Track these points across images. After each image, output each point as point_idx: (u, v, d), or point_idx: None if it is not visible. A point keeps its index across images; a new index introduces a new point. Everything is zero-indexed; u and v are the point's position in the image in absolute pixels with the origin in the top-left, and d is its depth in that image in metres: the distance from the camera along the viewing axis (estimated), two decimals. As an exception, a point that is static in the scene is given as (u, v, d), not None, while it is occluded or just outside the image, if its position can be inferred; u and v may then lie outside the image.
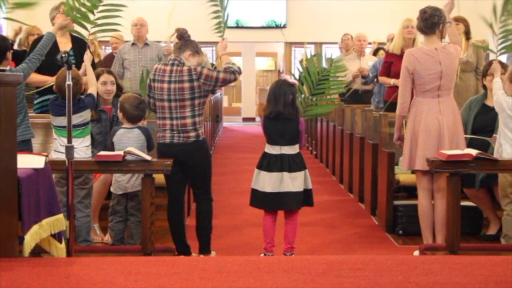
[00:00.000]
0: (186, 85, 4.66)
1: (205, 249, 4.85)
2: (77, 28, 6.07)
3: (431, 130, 4.96)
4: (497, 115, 5.34)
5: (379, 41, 10.83)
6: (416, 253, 4.92)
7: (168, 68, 4.73)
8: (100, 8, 5.75)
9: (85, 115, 5.00)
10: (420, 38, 6.65)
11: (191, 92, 4.67)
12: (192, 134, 4.71)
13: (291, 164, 4.82)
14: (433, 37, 5.05)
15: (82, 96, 5.04)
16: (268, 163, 4.83)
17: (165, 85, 4.69)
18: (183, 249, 4.82)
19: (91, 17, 5.75)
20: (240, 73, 4.82)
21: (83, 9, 5.70)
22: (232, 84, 24.59)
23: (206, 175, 4.87)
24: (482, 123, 5.61)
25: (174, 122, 4.70)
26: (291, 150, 4.85)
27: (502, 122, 5.07)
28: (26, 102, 5.22)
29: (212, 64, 10.57)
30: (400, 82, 5.16)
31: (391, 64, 7.04)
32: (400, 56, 6.90)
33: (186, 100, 4.68)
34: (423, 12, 5.04)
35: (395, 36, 7.20)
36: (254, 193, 4.90)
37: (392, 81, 6.96)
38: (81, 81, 5.07)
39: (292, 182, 4.80)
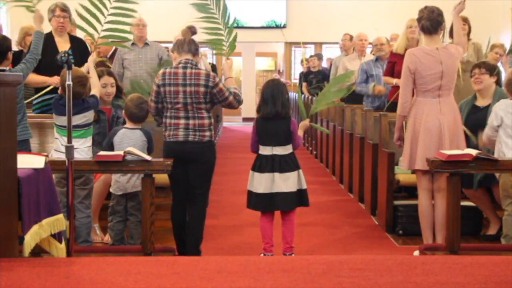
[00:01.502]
0: (202, 89, 4.69)
1: (193, 253, 4.72)
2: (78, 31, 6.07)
3: (432, 130, 4.96)
4: (487, 115, 5.34)
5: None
6: (416, 253, 4.92)
7: (181, 71, 4.72)
8: (111, 11, 5.74)
9: (89, 116, 5.01)
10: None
11: (205, 97, 4.71)
12: (207, 133, 4.75)
13: (282, 164, 4.82)
14: (436, 37, 5.05)
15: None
16: (260, 164, 4.84)
17: (180, 88, 4.69)
18: (184, 250, 4.81)
19: (102, 19, 5.73)
20: (241, 103, 4.91)
21: (93, 10, 5.69)
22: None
23: (208, 177, 4.88)
24: (473, 123, 5.63)
25: (191, 121, 4.71)
26: (283, 150, 4.85)
27: (504, 134, 5.04)
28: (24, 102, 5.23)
29: (213, 65, 10.58)
30: (401, 82, 5.16)
31: (394, 64, 7.03)
32: (404, 56, 6.91)
33: (201, 103, 4.71)
34: (430, 11, 5.00)
35: (399, 36, 7.20)
36: (249, 195, 4.91)
37: (394, 81, 6.96)
38: (89, 82, 5.08)
39: (284, 182, 4.80)
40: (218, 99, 4.76)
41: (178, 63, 4.77)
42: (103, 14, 5.72)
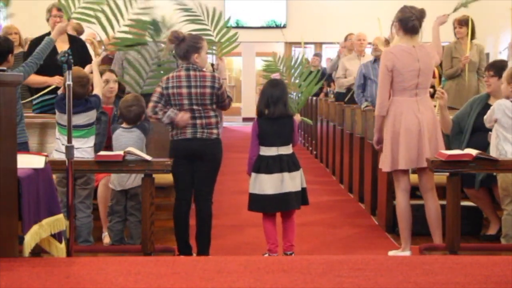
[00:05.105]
0: (208, 90, 4.72)
1: (204, 253, 4.83)
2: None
3: (412, 129, 4.92)
4: None
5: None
6: (392, 253, 4.98)
7: (183, 73, 4.74)
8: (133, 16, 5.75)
9: (91, 115, 5.02)
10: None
11: (211, 98, 4.74)
12: (215, 131, 4.78)
13: (290, 164, 4.82)
14: (416, 37, 5.04)
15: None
16: (267, 165, 4.81)
17: (184, 90, 4.70)
18: (185, 249, 4.82)
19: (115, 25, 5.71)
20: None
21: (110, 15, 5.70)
22: (232, 83, 24.29)
23: (215, 174, 4.88)
24: (482, 122, 5.60)
25: (198, 121, 4.72)
26: (287, 150, 4.86)
27: (502, 127, 5.04)
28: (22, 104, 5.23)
29: (212, 65, 10.64)
30: (379, 82, 5.08)
31: None
32: None
33: (207, 104, 4.74)
34: (421, 11, 4.99)
35: (395, 39, 7.13)
36: (253, 197, 4.86)
37: None
38: (90, 82, 5.10)
39: (292, 182, 4.80)
40: (219, 100, 4.80)
41: (181, 66, 4.81)
42: (122, 18, 5.69)
